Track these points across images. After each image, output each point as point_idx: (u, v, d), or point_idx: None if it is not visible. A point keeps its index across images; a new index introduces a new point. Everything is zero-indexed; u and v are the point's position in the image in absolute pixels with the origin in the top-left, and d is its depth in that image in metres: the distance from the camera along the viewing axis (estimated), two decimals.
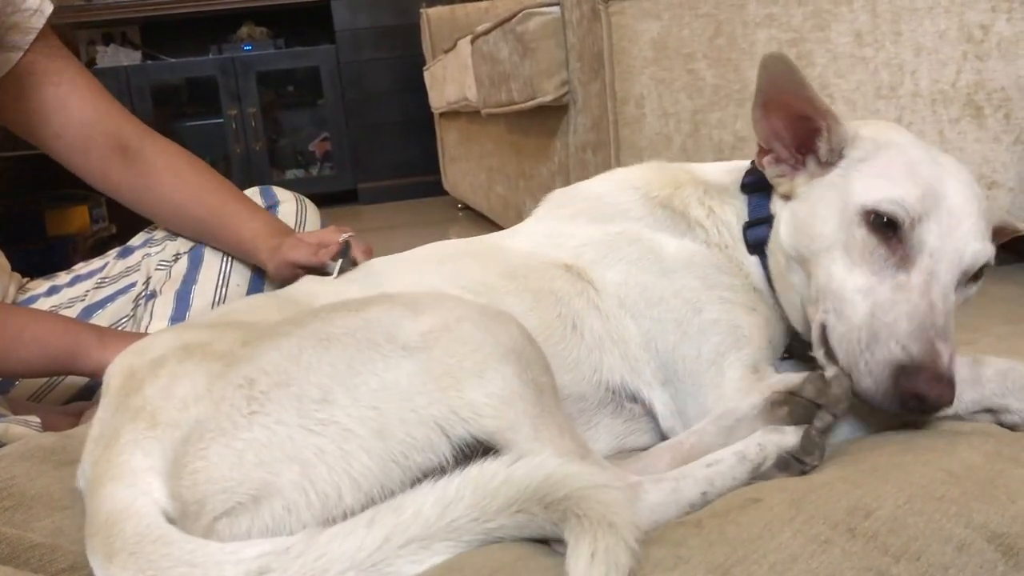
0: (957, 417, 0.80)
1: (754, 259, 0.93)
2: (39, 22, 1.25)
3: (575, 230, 0.98)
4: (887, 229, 0.79)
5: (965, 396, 0.79)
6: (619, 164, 1.65)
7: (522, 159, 2.43)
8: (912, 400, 0.72)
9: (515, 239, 1.02)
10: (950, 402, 0.74)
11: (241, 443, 0.60)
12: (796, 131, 0.89)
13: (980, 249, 0.79)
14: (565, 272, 0.94)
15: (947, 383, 0.72)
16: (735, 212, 0.96)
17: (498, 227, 2.76)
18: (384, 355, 0.64)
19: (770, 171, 0.91)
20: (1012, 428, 0.79)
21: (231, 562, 0.56)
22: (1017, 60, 1.67)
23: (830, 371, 0.79)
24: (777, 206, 0.92)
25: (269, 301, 0.96)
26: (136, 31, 5.05)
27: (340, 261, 1.10)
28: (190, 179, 1.34)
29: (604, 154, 1.67)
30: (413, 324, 0.67)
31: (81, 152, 1.31)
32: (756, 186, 0.95)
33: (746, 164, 0.99)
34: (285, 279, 1.19)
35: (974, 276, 0.81)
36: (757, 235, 0.92)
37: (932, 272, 0.77)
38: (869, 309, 0.77)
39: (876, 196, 0.80)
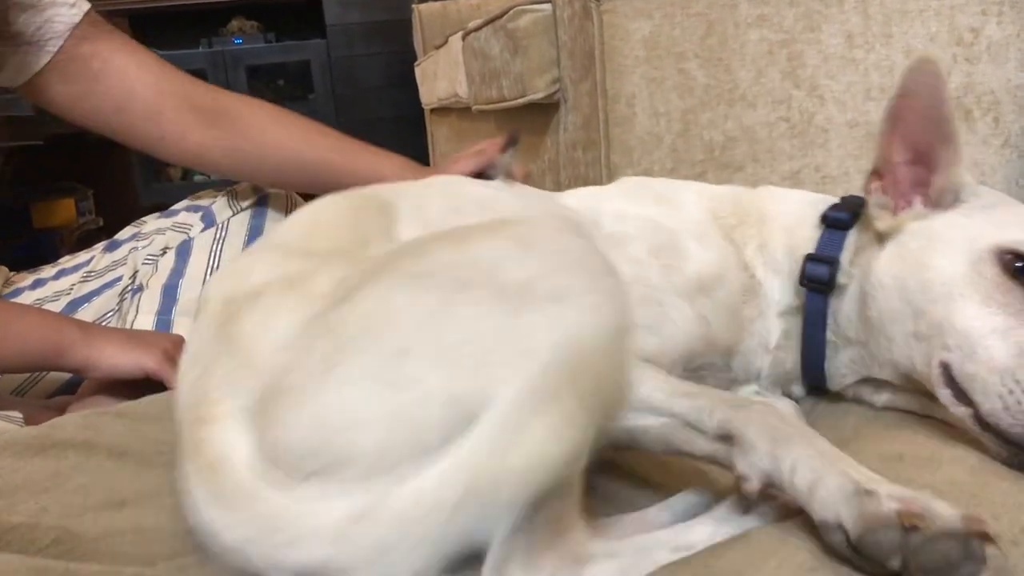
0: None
1: (779, 289, 0.90)
2: (78, 17, 1.21)
3: (628, 206, 0.97)
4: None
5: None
6: (609, 163, 1.65)
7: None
8: None
9: (570, 197, 1.02)
10: None
11: (322, 406, 0.56)
12: (912, 172, 0.84)
13: None
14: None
15: None
16: (802, 240, 0.91)
17: None
18: (476, 302, 0.57)
19: (875, 199, 0.85)
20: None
21: (319, 520, 0.53)
22: (1007, 64, 1.68)
23: (959, 411, 0.75)
24: (854, 244, 0.87)
25: (352, 205, 0.89)
26: (125, 23, 5.01)
27: (507, 153, 1.11)
28: (295, 126, 1.29)
29: (594, 153, 1.67)
30: (518, 267, 0.58)
31: (150, 121, 1.25)
32: (837, 222, 0.90)
33: (830, 199, 0.94)
34: None
35: None
36: (817, 272, 0.87)
37: None
38: (1016, 349, 0.72)
39: (1014, 237, 0.76)
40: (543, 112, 1.96)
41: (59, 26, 1.19)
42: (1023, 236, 0.75)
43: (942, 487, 0.66)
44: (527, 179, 1.25)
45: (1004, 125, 1.71)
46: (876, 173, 0.84)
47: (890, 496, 0.55)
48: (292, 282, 0.67)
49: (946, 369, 0.76)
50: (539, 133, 2.05)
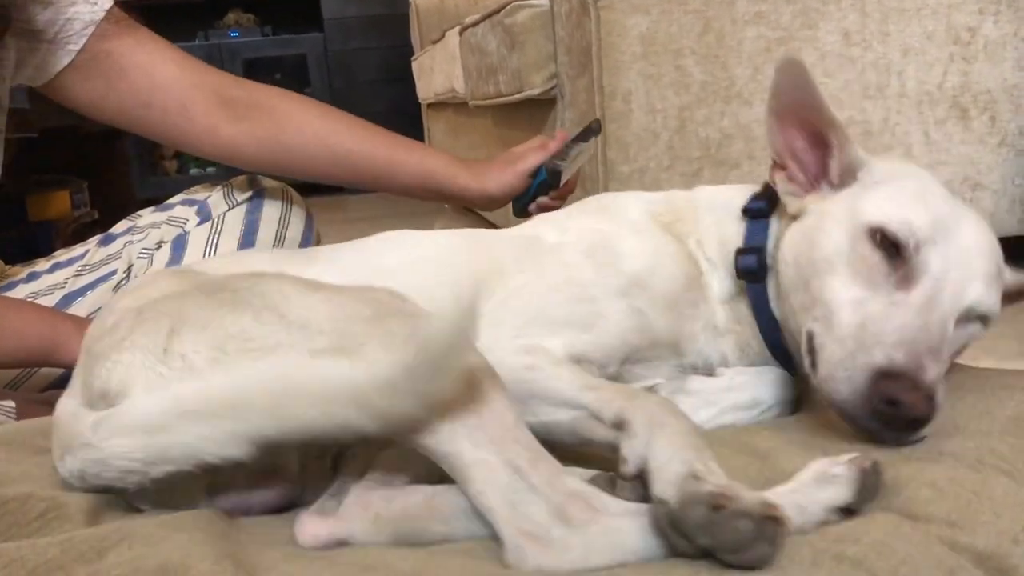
0: None
1: (718, 279, 0.93)
2: (99, 14, 1.19)
3: (571, 218, 1.01)
4: (891, 249, 0.77)
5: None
6: (605, 160, 1.65)
7: None
8: (884, 405, 0.70)
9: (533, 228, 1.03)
10: (926, 417, 0.71)
11: (113, 360, 0.72)
12: (815, 156, 0.88)
13: (983, 293, 0.77)
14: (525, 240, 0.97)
15: (925, 395, 0.70)
16: (731, 234, 0.93)
17: (482, 219, 2.75)
18: (255, 312, 0.71)
19: (782, 187, 0.89)
20: None
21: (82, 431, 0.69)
22: (1003, 63, 1.68)
23: (813, 380, 0.78)
24: (777, 230, 0.91)
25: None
26: None
27: (588, 142, 1.15)
28: (336, 118, 1.26)
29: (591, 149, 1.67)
30: (303, 308, 0.71)
31: (179, 115, 1.23)
32: (759, 212, 0.93)
33: (754, 187, 0.97)
34: (503, 199, 1.23)
35: (979, 319, 0.79)
36: (747, 263, 0.90)
37: (932, 296, 0.75)
38: (859, 320, 0.76)
39: (884, 215, 0.79)
40: (540, 108, 1.95)
41: (80, 24, 1.17)
42: (891, 214, 0.79)
43: (942, 484, 0.66)
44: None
45: (1000, 124, 1.71)
46: (776, 165, 0.90)
47: (713, 483, 0.59)
48: (136, 287, 0.82)
49: (810, 338, 0.80)
50: (536, 129, 2.04)
